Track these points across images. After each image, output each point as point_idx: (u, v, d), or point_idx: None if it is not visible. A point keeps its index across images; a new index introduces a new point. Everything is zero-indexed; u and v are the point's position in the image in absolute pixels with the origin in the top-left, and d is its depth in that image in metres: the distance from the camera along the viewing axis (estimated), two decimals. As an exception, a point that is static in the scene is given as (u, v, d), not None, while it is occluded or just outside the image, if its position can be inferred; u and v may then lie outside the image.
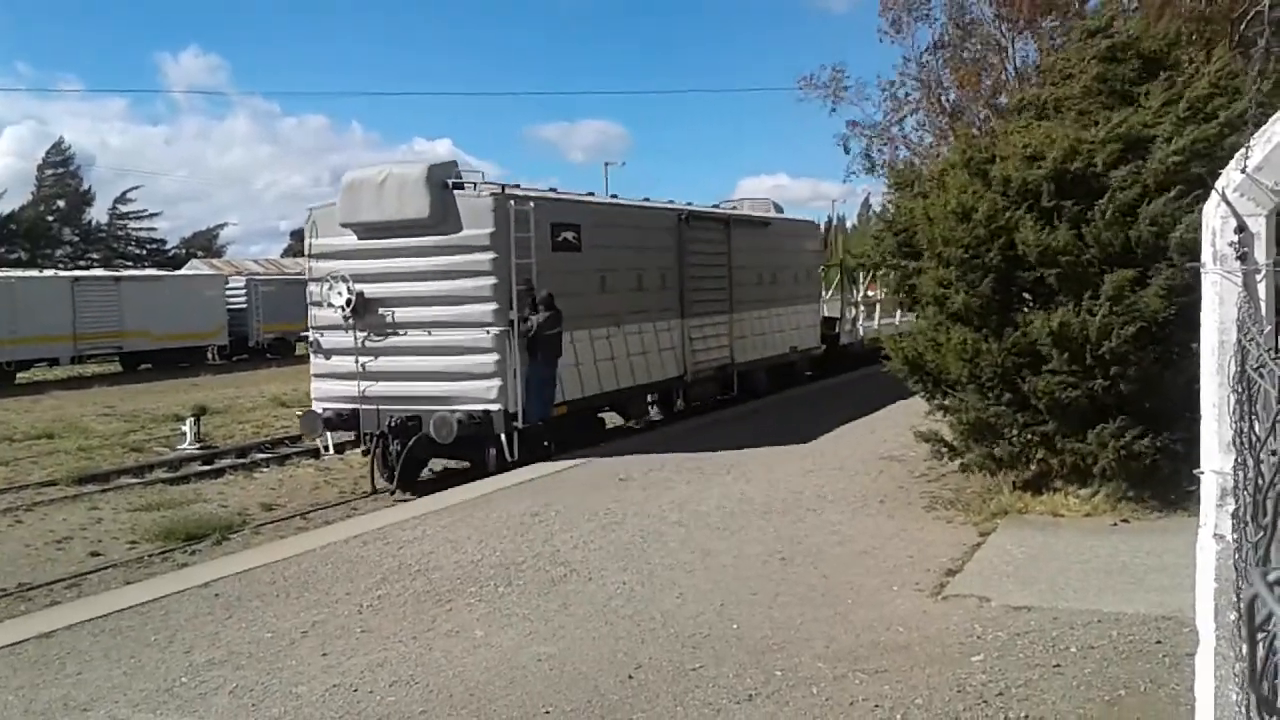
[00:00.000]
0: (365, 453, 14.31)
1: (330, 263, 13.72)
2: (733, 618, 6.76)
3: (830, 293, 26.88)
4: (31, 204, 69.78)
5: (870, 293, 29.13)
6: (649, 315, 16.15)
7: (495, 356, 12.91)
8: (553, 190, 15.33)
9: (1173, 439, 8.60)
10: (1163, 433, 8.69)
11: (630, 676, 5.84)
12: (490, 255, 12.87)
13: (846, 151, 28.95)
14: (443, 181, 13.06)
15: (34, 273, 39.16)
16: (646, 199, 18.13)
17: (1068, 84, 10.49)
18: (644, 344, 16.00)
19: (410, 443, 13.11)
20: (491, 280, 12.88)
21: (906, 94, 26.96)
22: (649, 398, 17.52)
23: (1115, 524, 8.60)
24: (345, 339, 13.68)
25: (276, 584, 8.07)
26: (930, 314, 10.27)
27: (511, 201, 13.03)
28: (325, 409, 13.92)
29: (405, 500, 12.71)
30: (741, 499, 10.37)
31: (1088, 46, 10.59)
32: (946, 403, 10.08)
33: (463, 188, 13.19)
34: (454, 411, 12.85)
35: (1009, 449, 9.41)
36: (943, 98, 26.51)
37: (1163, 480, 8.84)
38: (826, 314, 24.78)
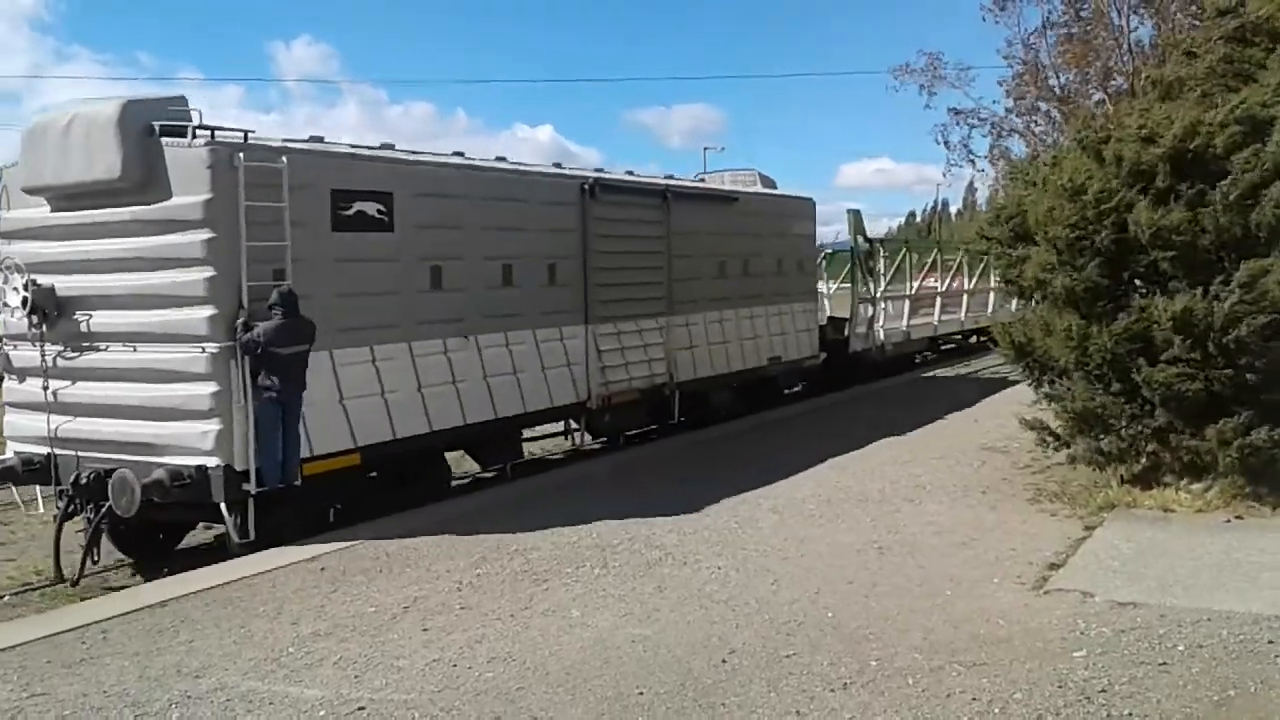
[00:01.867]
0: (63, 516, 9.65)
1: (21, 244, 9.76)
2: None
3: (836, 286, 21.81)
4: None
5: (930, 282, 25.33)
6: (525, 320, 11.73)
7: (213, 386, 8.73)
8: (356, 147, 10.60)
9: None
10: (1280, 427, 8.40)
11: (724, 661, 5.86)
12: (205, 235, 8.70)
13: (947, 146, 28.28)
14: (146, 125, 8.90)
15: None
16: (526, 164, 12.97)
17: (1191, 64, 10.13)
18: (515, 361, 11.59)
19: (104, 511, 9.01)
20: (207, 273, 8.74)
21: (1012, 79, 26.26)
22: (534, 431, 13.12)
23: (1229, 520, 8.31)
24: (34, 354, 9.62)
25: (379, 560, 8.28)
26: (1036, 300, 10.05)
27: (241, 154, 8.72)
28: (17, 453, 9.94)
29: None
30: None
31: (1215, 26, 10.21)
32: (1052, 390, 9.85)
33: (185, 135, 8.86)
34: (155, 467, 8.77)
35: (1117, 443, 9.16)
36: (1051, 81, 25.74)
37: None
38: (834, 314, 20.30)
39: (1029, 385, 10.45)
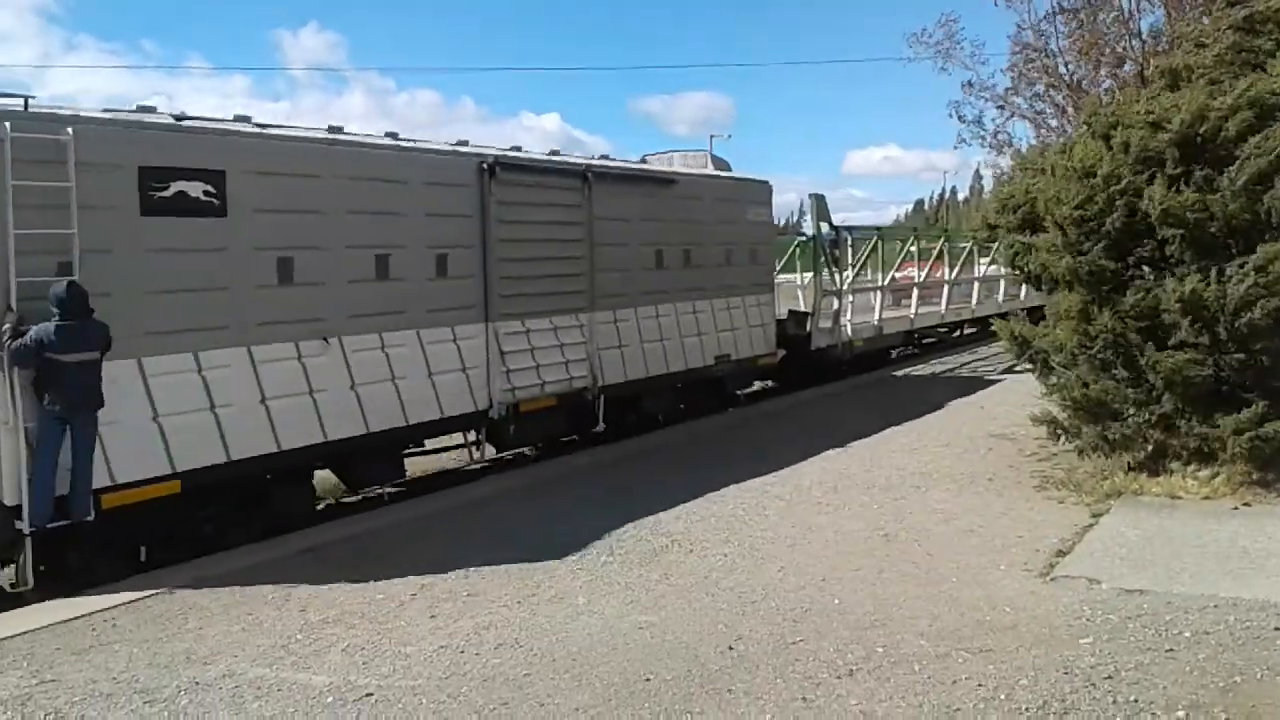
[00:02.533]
0: None
1: None
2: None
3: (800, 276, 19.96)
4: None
5: (908, 272, 23.58)
6: (407, 319, 10.20)
7: None
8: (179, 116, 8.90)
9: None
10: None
11: (730, 648, 5.87)
12: None
13: (961, 120, 28.13)
14: None
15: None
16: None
17: (1200, 53, 10.09)
18: (394, 366, 10.05)
19: None
20: None
21: (1026, 60, 26.11)
22: (415, 445, 11.33)
23: (1236, 508, 8.30)
24: None
25: (385, 547, 8.30)
26: (1043, 286, 10.05)
27: (8, 125, 7.36)
28: None
29: None
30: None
31: (1224, 16, 10.17)
32: (1055, 380, 9.84)
33: None
34: None
35: (1122, 430, 9.14)
36: (1060, 68, 25.60)
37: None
38: (795, 308, 18.64)
39: (1036, 377, 10.45)
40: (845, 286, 19.51)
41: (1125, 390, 9.07)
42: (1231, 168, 8.69)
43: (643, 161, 15.65)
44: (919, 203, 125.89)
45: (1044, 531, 7.96)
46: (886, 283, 21.53)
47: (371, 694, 5.45)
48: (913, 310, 22.45)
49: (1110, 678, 5.21)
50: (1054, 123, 25.38)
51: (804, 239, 19.94)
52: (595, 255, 12.68)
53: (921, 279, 23.04)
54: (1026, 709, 4.93)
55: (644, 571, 7.40)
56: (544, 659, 5.84)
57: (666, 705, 5.17)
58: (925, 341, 24.94)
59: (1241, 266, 8.54)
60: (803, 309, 18.58)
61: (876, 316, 20.72)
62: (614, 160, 13.95)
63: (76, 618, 6.87)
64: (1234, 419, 8.56)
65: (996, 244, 24.53)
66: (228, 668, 5.85)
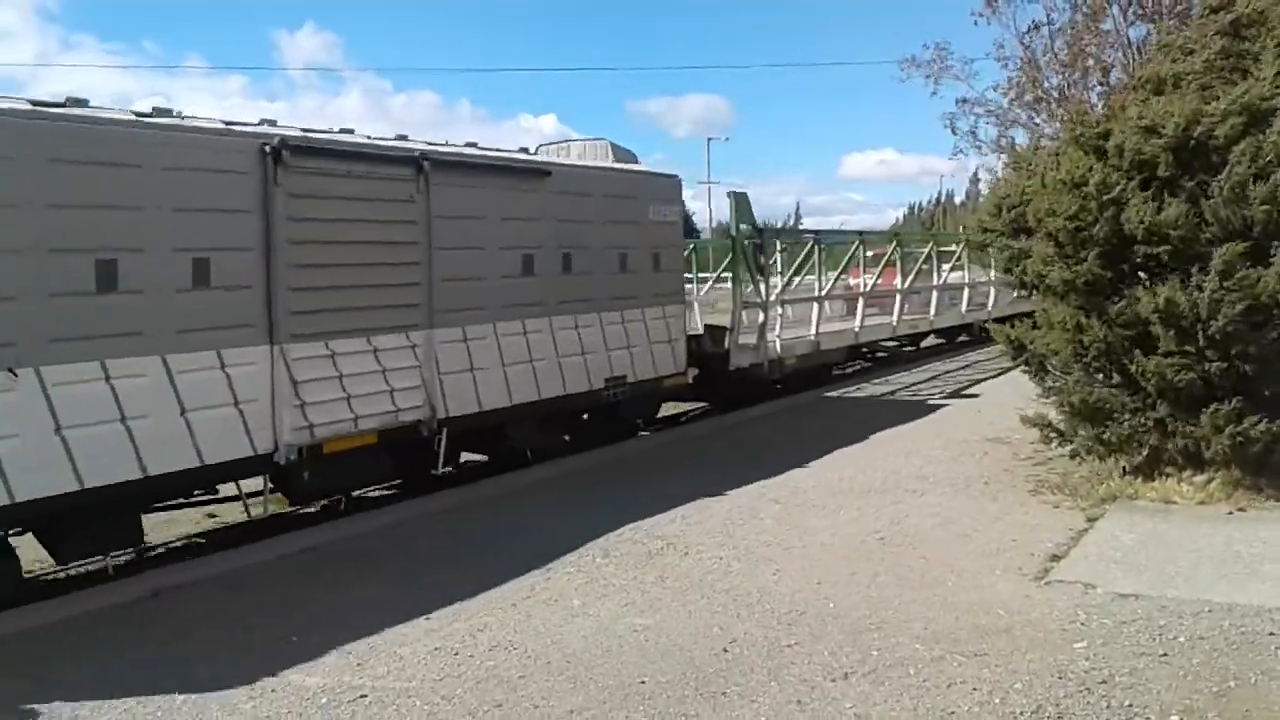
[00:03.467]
0: None
1: None
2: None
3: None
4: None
5: (859, 279, 21.28)
6: (147, 342, 8.00)
7: None
8: None
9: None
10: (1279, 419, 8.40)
11: (725, 650, 5.87)
12: None
13: (954, 132, 28.28)
14: None
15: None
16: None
17: (1188, 60, 10.11)
18: (123, 403, 7.80)
19: None
20: None
21: (1012, 77, 26.25)
22: (167, 500, 9.01)
23: (1231, 512, 8.31)
24: None
25: (378, 549, 8.30)
26: (1039, 295, 10.06)
27: None
28: None
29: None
30: None
31: (1210, 22, 10.20)
32: (1051, 384, 9.86)
33: None
34: None
35: (1118, 431, 9.15)
36: (1045, 81, 25.73)
37: (1283, 468, 8.55)
38: (714, 322, 16.45)
39: (1031, 380, 10.46)
40: (773, 297, 16.96)
41: (1123, 397, 9.08)
42: (1220, 175, 8.70)
43: (525, 150, 13.19)
44: (912, 206, 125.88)
45: (1039, 535, 7.96)
46: (824, 292, 18.81)
47: (365, 695, 5.44)
48: (857, 322, 19.71)
49: (1105, 682, 5.21)
50: (1048, 129, 25.48)
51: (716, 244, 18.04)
52: (436, 261, 10.31)
53: (868, 288, 20.46)
54: (1021, 713, 4.93)
55: (640, 573, 7.40)
56: (538, 661, 5.83)
57: (661, 708, 5.16)
58: (879, 356, 23.17)
59: (1205, 273, 8.55)
60: (722, 323, 16.14)
61: (813, 330, 17.92)
62: (463, 146, 11.44)
63: (66, 619, 6.85)
64: (1211, 416, 8.57)
65: (960, 249, 24.08)
66: (221, 669, 5.84)
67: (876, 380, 19.40)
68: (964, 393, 17.03)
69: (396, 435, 9.97)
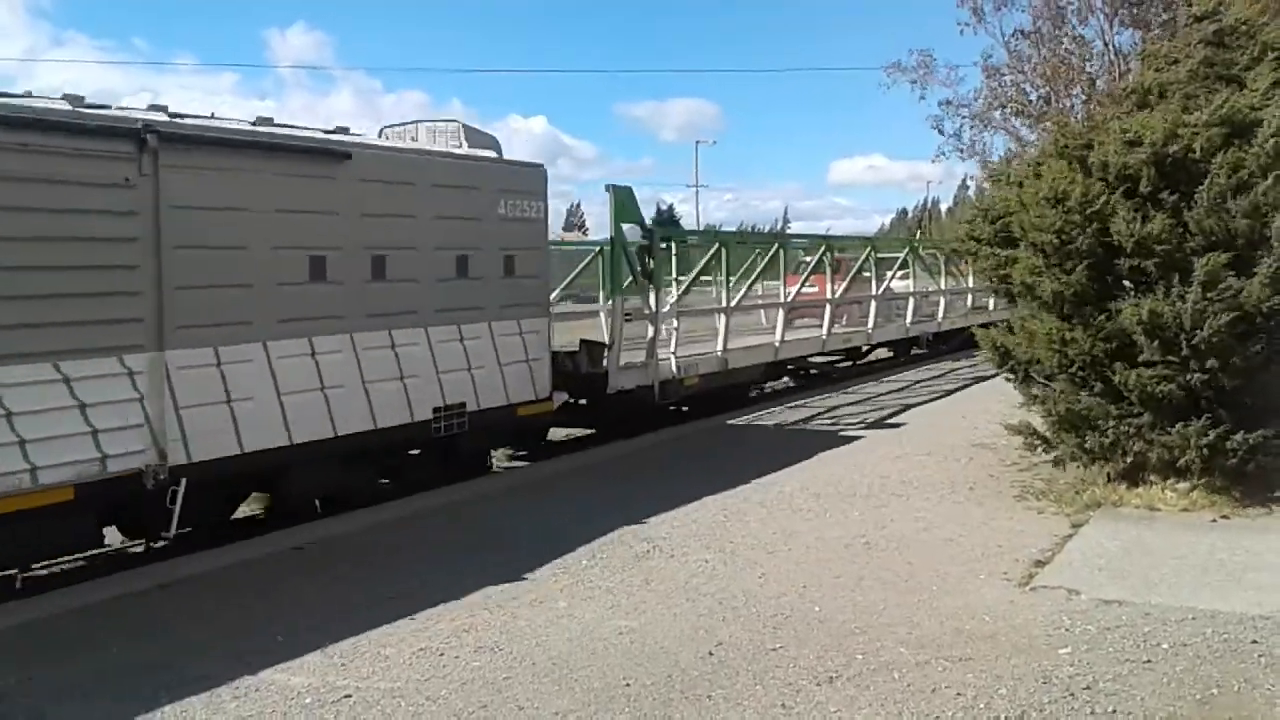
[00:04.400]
0: None
1: None
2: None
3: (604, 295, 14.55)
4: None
5: (796, 288, 18.84)
6: None
7: None
8: None
9: (1277, 435, 8.37)
10: (1258, 430, 8.45)
11: (710, 653, 5.87)
12: None
13: (941, 133, 28.47)
14: None
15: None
16: None
17: (1172, 69, 10.18)
18: None
19: None
20: None
21: (995, 88, 26.47)
22: None
23: (1214, 520, 8.36)
24: None
25: (364, 549, 8.27)
26: (1023, 304, 10.10)
27: None
28: None
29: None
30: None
31: (1194, 31, 10.27)
32: (1036, 392, 9.91)
33: None
34: None
35: (1101, 440, 9.19)
36: (1029, 88, 25.95)
37: (1266, 478, 8.59)
38: (592, 337, 13.98)
39: (1015, 388, 10.50)
40: (667, 307, 14.63)
41: (1107, 406, 9.12)
42: (1202, 186, 8.76)
43: (350, 131, 10.66)
44: (901, 211, 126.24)
45: (1024, 541, 7.99)
46: (734, 303, 16.12)
47: (350, 695, 5.42)
48: (777, 336, 17.33)
49: (1089, 688, 5.23)
50: (1030, 135, 25.65)
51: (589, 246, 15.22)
52: (169, 264, 8.19)
53: (790, 297, 18.05)
54: (1005, 718, 4.95)
55: (626, 576, 7.39)
56: (524, 663, 5.82)
57: (646, 710, 5.16)
58: (814, 373, 21.28)
59: (1188, 285, 8.60)
60: (597, 339, 13.92)
61: (720, 345, 15.56)
62: (210, 119, 9.26)
63: (54, 615, 6.81)
64: (1182, 430, 8.63)
65: (904, 255, 23.36)
66: (206, 668, 5.80)
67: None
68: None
69: (105, 490, 7.81)
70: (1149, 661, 5.55)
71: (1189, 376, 8.61)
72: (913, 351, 24.20)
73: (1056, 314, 9.45)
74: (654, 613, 6.61)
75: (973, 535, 8.26)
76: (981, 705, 5.09)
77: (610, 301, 13.81)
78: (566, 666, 5.75)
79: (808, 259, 20.54)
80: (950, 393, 17.76)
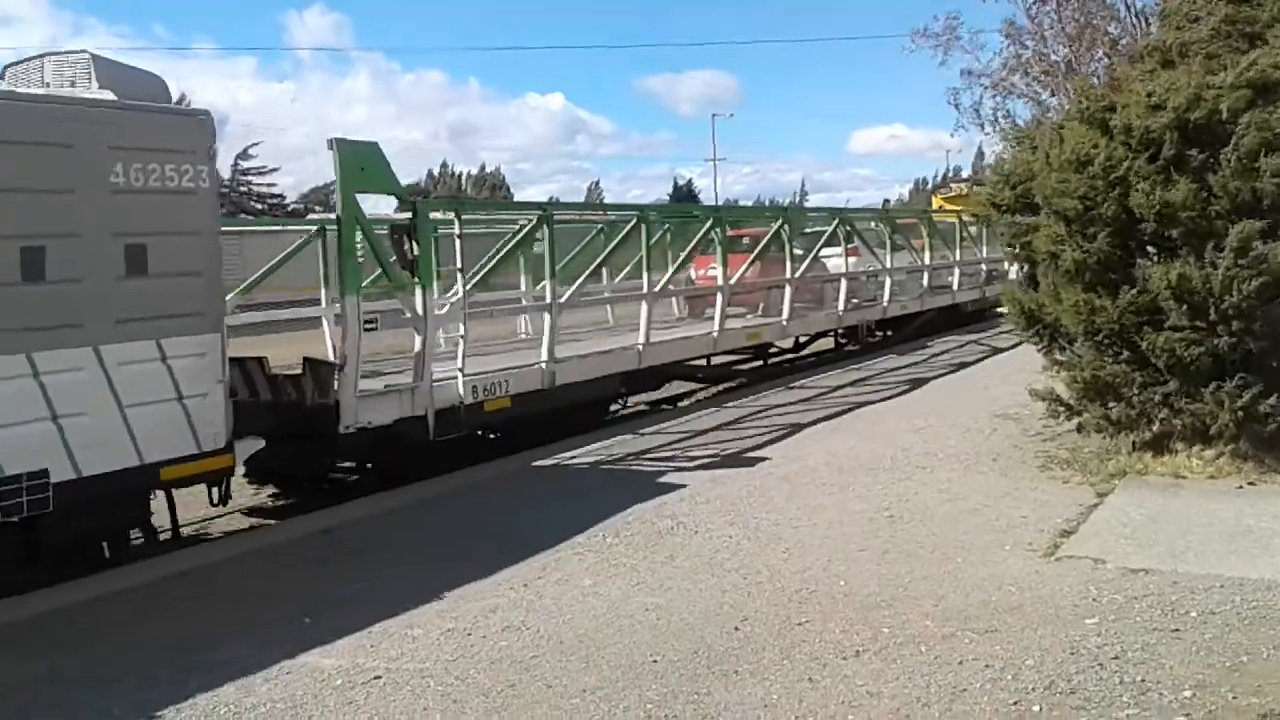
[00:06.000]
0: None
1: None
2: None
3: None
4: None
5: (701, 272, 16.85)
6: None
7: None
8: None
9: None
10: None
11: (736, 629, 5.89)
12: None
13: (957, 108, 28.16)
14: None
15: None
16: None
17: (1194, 27, 10.04)
18: None
19: None
20: None
21: (1020, 53, 26.10)
22: None
23: (1241, 486, 8.30)
24: None
25: (391, 530, 8.33)
26: (1047, 270, 10.01)
27: None
28: None
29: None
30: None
31: (1215, -13, 10.15)
32: (1062, 358, 9.83)
33: None
34: None
35: (1127, 411, 9.12)
36: (1052, 55, 25.58)
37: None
38: (314, 357, 10.45)
39: (1039, 352, 10.42)
40: (445, 308, 10.88)
41: (1134, 374, 9.05)
42: (1227, 148, 8.65)
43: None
44: (919, 181, 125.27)
45: (1048, 511, 7.96)
46: (563, 297, 12.36)
47: (380, 676, 5.47)
48: (641, 337, 13.22)
49: (1117, 658, 5.22)
50: (1052, 100, 25.34)
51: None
52: None
53: (659, 285, 14.23)
54: (1033, 689, 4.94)
55: (650, 553, 7.41)
56: (550, 641, 5.85)
57: (673, 686, 5.18)
58: (724, 385, 17.16)
59: (1220, 249, 8.51)
60: (326, 359, 10.68)
61: (545, 354, 11.72)
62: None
63: (78, 603, 6.89)
64: (1214, 394, 8.55)
65: (832, 227, 18.23)
66: (235, 652, 5.86)
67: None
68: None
69: None
70: (1177, 630, 5.53)
71: (1217, 341, 8.53)
72: (850, 345, 21.09)
73: (1081, 283, 9.35)
74: (679, 589, 6.62)
75: (997, 505, 8.23)
76: (1009, 677, 5.08)
77: (342, 304, 9.66)
78: (593, 644, 5.77)
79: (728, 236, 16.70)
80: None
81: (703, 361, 16.17)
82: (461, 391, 10.64)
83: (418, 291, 10.28)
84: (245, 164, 76.11)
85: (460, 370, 10.70)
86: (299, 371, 9.90)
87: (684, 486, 9.33)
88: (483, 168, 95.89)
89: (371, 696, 5.25)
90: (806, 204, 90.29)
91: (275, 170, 78.32)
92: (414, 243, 10.17)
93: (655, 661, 5.49)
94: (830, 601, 6.26)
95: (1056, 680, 5.01)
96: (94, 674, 5.66)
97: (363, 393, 9.66)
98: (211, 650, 5.89)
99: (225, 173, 75.02)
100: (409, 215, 10.26)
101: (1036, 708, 4.76)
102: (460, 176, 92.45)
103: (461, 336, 10.94)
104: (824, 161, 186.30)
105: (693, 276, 17.38)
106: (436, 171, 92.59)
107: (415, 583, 6.93)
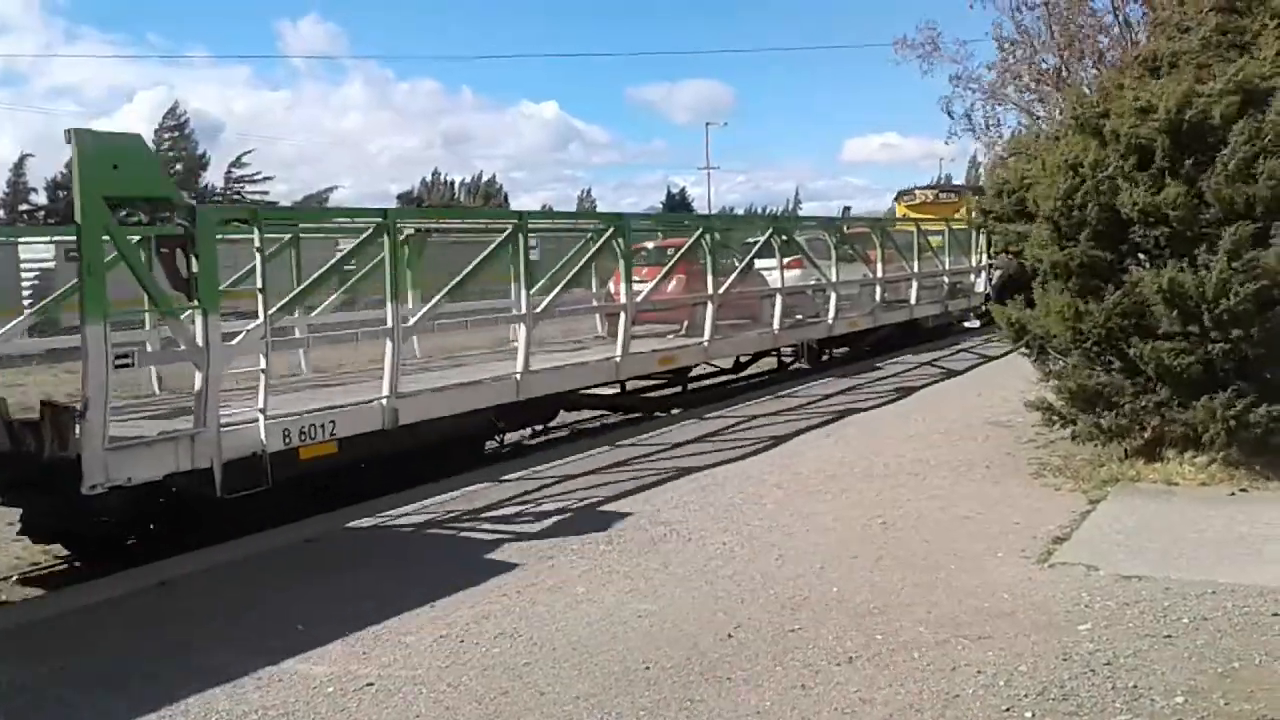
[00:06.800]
0: None
1: None
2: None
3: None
4: (150, 168, 71.93)
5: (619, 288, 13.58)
6: None
7: None
8: None
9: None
10: (1280, 402, 8.41)
11: (730, 635, 5.88)
12: None
13: (950, 116, 28.15)
14: None
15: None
16: None
17: (1184, 38, 10.09)
18: None
19: None
20: None
21: (1008, 60, 26.11)
22: None
23: (1233, 493, 8.32)
24: None
25: (382, 537, 8.31)
26: (1039, 282, 10.06)
27: None
28: None
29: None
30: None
31: (1204, -1, 10.21)
32: (1052, 368, 9.86)
33: None
34: None
35: (1117, 420, 9.14)
36: (1042, 62, 25.62)
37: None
38: (54, 399, 7.82)
39: (1031, 362, 10.45)
40: (242, 335, 8.72)
41: (1123, 381, 9.07)
42: (1223, 153, 8.68)
43: None
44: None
45: (1041, 518, 7.97)
46: (416, 318, 10.85)
47: (372, 684, 5.45)
48: (519, 364, 11.42)
49: (1109, 663, 5.22)
50: (1042, 111, 25.37)
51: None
52: None
53: (541, 307, 12.01)
54: (1026, 695, 4.94)
55: (643, 560, 7.40)
56: (544, 648, 5.84)
57: (666, 693, 5.17)
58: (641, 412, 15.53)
59: (1213, 253, 8.53)
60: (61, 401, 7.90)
61: (386, 388, 9.76)
62: None
63: (73, 610, 6.87)
64: (1207, 404, 8.57)
65: (765, 235, 16.47)
66: (227, 659, 5.84)
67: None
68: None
69: None
70: (1169, 636, 5.54)
71: (1210, 348, 8.55)
72: (795, 365, 19.61)
73: (1066, 287, 9.37)
74: (672, 595, 6.62)
75: (989, 512, 8.24)
76: (1002, 683, 5.08)
77: (83, 334, 7.41)
78: (586, 650, 5.76)
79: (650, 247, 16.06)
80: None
81: (613, 389, 14.52)
82: (264, 437, 8.50)
83: (199, 317, 8.18)
84: (238, 172, 76.16)
85: (261, 411, 8.56)
86: (37, 417, 7.62)
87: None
88: (478, 176, 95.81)
89: (364, 703, 5.21)
90: (800, 212, 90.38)
91: (269, 179, 78.33)
92: (192, 257, 8.05)
93: (648, 668, 5.48)
94: (823, 608, 6.25)
95: (1049, 686, 5.01)
96: (93, 680, 5.62)
97: (116, 442, 7.59)
98: (205, 658, 5.86)
99: (218, 180, 75.04)
100: (185, 225, 8.05)
101: (1029, 714, 4.77)
102: (453, 184, 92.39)
103: (262, 371, 8.67)
104: (818, 170, 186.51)
105: (611, 292, 15.52)
106: (429, 179, 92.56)
107: (407, 588, 6.92)
